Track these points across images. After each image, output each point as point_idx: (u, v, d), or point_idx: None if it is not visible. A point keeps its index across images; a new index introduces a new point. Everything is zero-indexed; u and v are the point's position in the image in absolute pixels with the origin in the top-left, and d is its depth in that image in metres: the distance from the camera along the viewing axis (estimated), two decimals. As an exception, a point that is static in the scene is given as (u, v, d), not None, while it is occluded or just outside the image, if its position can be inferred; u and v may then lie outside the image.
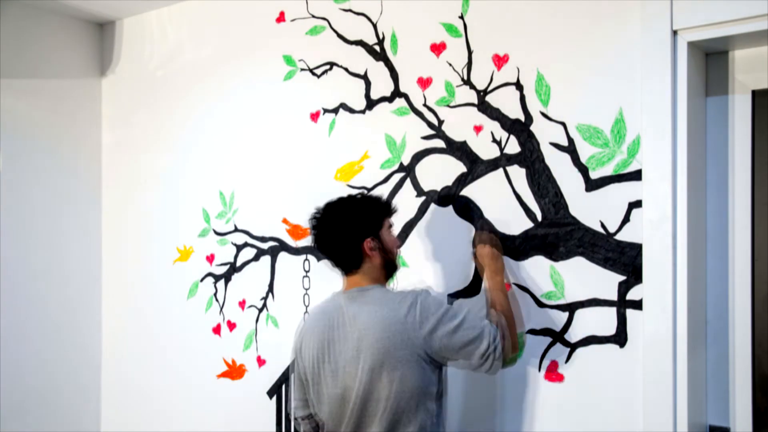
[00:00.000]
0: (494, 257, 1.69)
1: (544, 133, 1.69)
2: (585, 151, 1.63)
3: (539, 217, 1.70)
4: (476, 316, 1.53)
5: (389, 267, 1.61)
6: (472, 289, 1.81)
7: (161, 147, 2.58)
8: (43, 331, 2.57)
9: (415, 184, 1.91)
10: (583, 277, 1.63)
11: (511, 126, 1.74)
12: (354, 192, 1.67)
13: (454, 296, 1.84)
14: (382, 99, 1.98)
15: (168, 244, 2.54)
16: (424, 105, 1.90)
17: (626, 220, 1.58)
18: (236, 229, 2.34)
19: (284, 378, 2.21)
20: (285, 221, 2.20)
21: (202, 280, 2.44)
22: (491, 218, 1.78)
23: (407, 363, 1.46)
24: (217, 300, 2.39)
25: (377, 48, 1.99)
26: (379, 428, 1.48)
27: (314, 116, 2.13)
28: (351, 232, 1.55)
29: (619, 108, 1.58)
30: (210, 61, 2.42)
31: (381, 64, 1.98)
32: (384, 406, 1.47)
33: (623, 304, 1.58)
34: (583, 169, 1.63)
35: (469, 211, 1.82)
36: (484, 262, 1.70)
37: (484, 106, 1.79)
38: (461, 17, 1.83)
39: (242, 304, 2.32)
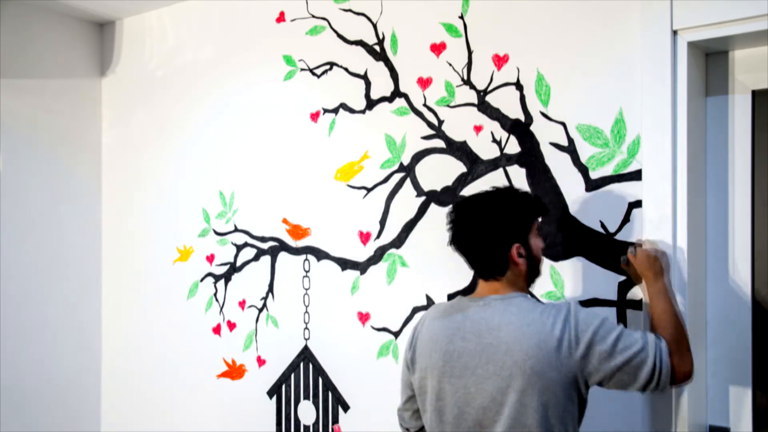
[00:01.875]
0: (652, 260, 1.44)
1: (544, 133, 1.69)
2: (585, 151, 1.63)
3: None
4: (634, 331, 1.31)
5: (533, 274, 1.42)
6: (471, 289, 1.80)
7: (161, 147, 2.58)
8: (43, 331, 2.57)
9: (415, 184, 1.91)
10: (583, 277, 1.63)
11: (511, 126, 1.74)
12: (496, 187, 1.45)
13: (453, 296, 1.84)
14: (382, 99, 1.98)
15: (168, 244, 2.54)
16: (424, 105, 1.90)
17: (626, 220, 1.58)
18: (236, 229, 2.34)
19: (284, 378, 2.21)
20: (285, 221, 2.20)
21: (202, 280, 2.43)
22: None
23: (557, 387, 1.26)
24: (217, 300, 2.39)
25: (377, 48, 1.99)
26: None
27: (314, 116, 2.13)
28: (498, 238, 1.35)
29: (619, 108, 1.58)
30: (210, 61, 2.42)
31: (381, 64, 1.98)
32: None
33: (623, 304, 1.58)
34: (583, 169, 1.63)
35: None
36: (642, 267, 1.45)
37: (484, 106, 1.79)
38: (461, 17, 1.83)
39: (242, 304, 2.32)
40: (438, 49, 1.87)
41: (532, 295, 1.52)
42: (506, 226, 1.35)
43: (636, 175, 1.56)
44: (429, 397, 1.40)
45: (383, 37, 1.98)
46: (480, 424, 1.31)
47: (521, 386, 1.26)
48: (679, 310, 1.42)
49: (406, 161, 1.93)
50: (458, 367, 1.34)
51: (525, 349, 1.26)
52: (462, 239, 1.40)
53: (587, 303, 1.63)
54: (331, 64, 2.09)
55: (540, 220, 1.44)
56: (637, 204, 1.56)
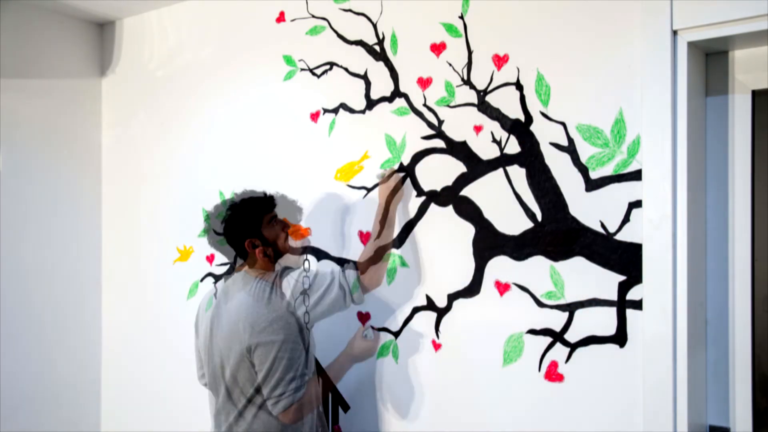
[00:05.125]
0: (391, 189, 1.90)
1: (544, 133, 1.69)
2: (585, 151, 1.63)
3: (539, 217, 1.70)
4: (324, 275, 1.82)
5: (276, 255, 1.86)
6: (471, 290, 1.81)
7: (161, 147, 2.58)
8: (43, 331, 2.57)
9: (415, 184, 1.91)
10: (583, 277, 1.63)
11: (511, 126, 1.74)
12: (252, 194, 1.89)
13: (453, 296, 1.84)
14: (382, 99, 1.98)
15: (168, 244, 2.54)
16: (424, 105, 1.90)
17: (626, 220, 1.58)
18: (236, 229, 2.33)
19: (284, 378, 2.20)
20: (285, 221, 2.20)
21: (202, 280, 2.43)
22: (491, 218, 1.78)
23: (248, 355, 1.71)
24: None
25: (377, 48, 1.99)
26: (236, 411, 1.76)
27: (314, 116, 2.13)
28: (234, 236, 1.83)
29: (619, 108, 1.58)
30: (210, 61, 2.42)
31: (381, 64, 1.98)
32: (240, 391, 1.73)
33: (623, 304, 1.58)
34: (583, 169, 1.63)
35: (469, 211, 1.81)
36: (382, 192, 1.91)
37: (484, 106, 1.79)
38: (461, 17, 1.83)
39: (242, 304, 2.31)
40: (438, 49, 1.87)
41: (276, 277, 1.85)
42: (236, 228, 1.82)
43: (636, 175, 1.56)
44: (202, 355, 1.89)
45: (383, 37, 1.98)
46: (222, 376, 1.77)
47: (233, 347, 1.72)
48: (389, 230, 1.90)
49: (406, 161, 1.93)
50: (209, 332, 1.83)
51: (237, 318, 1.72)
52: (225, 236, 1.87)
53: (587, 303, 1.63)
54: (331, 64, 2.09)
55: (272, 214, 1.86)
56: (637, 204, 1.56)
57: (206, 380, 1.89)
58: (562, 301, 1.67)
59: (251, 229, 1.82)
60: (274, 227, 1.86)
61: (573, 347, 1.65)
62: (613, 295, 1.59)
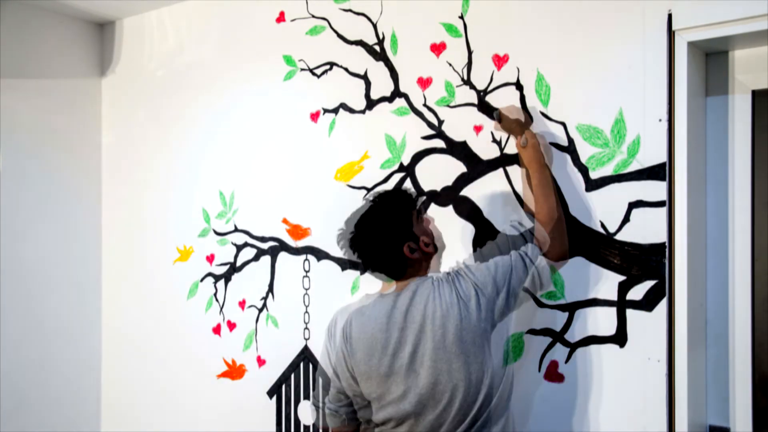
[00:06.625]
0: (524, 123, 1.65)
1: (544, 133, 1.69)
2: (585, 151, 1.63)
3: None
4: (502, 258, 1.53)
5: (435, 251, 1.60)
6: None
7: (161, 147, 2.58)
8: (43, 331, 2.57)
9: (415, 184, 1.91)
10: (583, 277, 1.63)
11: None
12: (364, 194, 1.64)
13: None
14: (382, 99, 1.98)
15: (168, 244, 2.54)
16: (424, 105, 1.90)
17: (626, 220, 1.58)
18: (236, 229, 2.34)
19: (284, 378, 2.21)
20: (285, 221, 2.20)
21: (202, 280, 2.44)
22: (491, 218, 1.78)
23: (476, 347, 1.43)
24: (217, 300, 2.39)
25: (377, 48, 1.99)
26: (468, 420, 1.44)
27: (314, 116, 2.13)
28: (393, 247, 1.51)
29: (619, 108, 1.58)
30: (210, 61, 2.42)
31: (381, 64, 1.98)
32: (466, 395, 1.43)
33: (623, 304, 1.58)
34: (583, 169, 1.63)
35: (469, 211, 1.81)
36: (512, 127, 1.65)
37: (484, 106, 1.79)
38: (461, 17, 1.83)
39: (242, 304, 2.32)
40: (438, 49, 1.87)
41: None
42: (389, 236, 1.51)
43: (636, 175, 1.56)
44: (374, 383, 1.50)
45: (383, 37, 1.98)
46: (431, 396, 1.44)
47: (441, 355, 1.43)
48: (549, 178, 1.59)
49: (406, 161, 1.93)
50: (391, 349, 1.48)
51: (436, 321, 1.44)
52: (372, 264, 1.56)
53: (587, 303, 1.63)
54: (331, 64, 2.09)
55: (418, 209, 1.57)
56: (637, 204, 1.56)
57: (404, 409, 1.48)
58: (562, 301, 1.67)
59: (403, 231, 1.53)
60: (422, 223, 1.59)
61: (573, 347, 1.65)
62: (613, 295, 1.59)
